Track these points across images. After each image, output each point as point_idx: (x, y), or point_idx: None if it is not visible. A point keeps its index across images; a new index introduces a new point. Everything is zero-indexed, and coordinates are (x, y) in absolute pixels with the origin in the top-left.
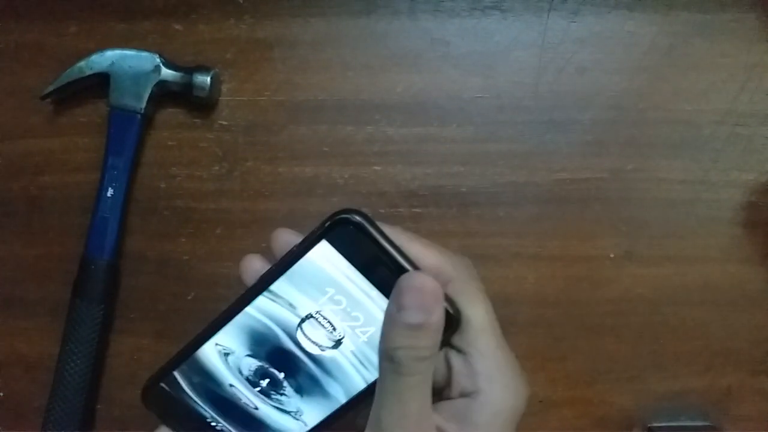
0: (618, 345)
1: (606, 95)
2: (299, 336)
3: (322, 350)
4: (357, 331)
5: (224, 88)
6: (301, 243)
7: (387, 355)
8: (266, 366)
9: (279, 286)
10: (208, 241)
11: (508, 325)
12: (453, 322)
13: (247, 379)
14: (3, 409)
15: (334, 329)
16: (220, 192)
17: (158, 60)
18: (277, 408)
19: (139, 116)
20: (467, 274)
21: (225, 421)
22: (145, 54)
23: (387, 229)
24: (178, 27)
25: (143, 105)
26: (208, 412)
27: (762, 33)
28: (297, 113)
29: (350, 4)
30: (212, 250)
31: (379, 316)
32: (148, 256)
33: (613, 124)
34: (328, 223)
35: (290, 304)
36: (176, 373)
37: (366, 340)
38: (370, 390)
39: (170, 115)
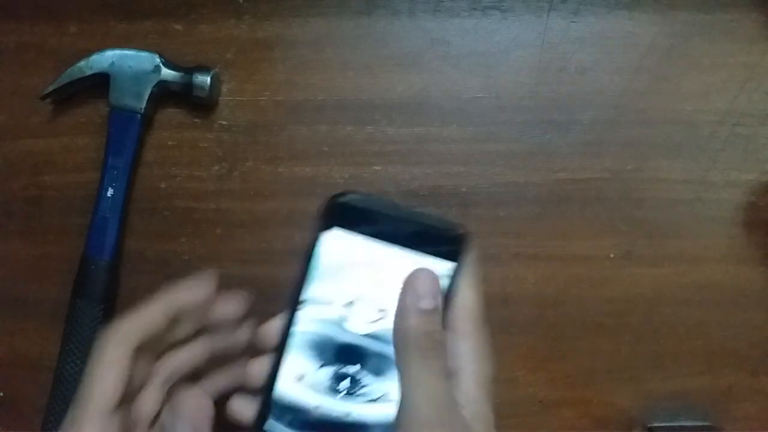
0: (618, 345)
1: (606, 95)
2: (350, 324)
3: (376, 325)
4: (395, 291)
5: (224, 88)
6: (308, 244)
7: (413, 342)
8: (338, 368)
9: (310, 292)
10: (208, 241)
11: (508, 325)
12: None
13: (329, 391)
14: (3, 409)
15: (377, 300)
16: (220, 192)
17: (158, 60)
18: (367, 401)
19: (139, 116)
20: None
21: None
22: (145, 54)
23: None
24: (178, 27)
25: (143, 105)
26: None
27: (762, 33)
28: (297, 113)
29: (350, 4)
30: (212, 250)
31: (406, 270)
32: (148, 256)
33: (613, 124)
34: (326, 210)
35: (328, 301)
36: (271, 421)
37: None
38: None
39: (170, 115)
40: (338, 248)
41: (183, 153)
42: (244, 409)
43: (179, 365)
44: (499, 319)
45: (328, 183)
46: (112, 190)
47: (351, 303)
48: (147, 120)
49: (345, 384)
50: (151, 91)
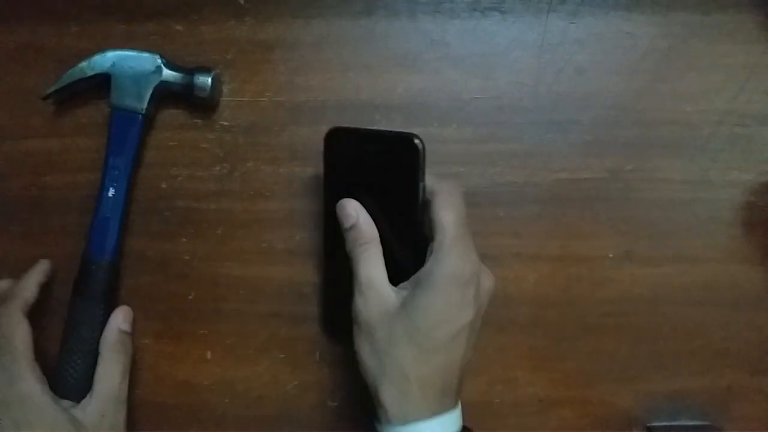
0: (618, 345)
1: (606, 95)
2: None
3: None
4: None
5: (225, 88)
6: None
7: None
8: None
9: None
10: (208, 241)
11: (508, 325)
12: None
13: None
14: None
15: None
16: (220, 192)
17: (159, 61)
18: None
19: (140, 116)
20: (449, 189)
21: None
22: (146, 55)
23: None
24: (178, 28)
25: (144, 105)
26: None
27: (762, 33)
28: (298, 114)
29: (350, 5)
30: (213, 250)
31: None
32: (149, 256)
33: (613, 124)
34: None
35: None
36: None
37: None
38: None
39: (171, 115)
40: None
41: (184, 153)
42: None
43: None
44: (499, 319)
45: None
46: (113, 190)
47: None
48: (148, 120)
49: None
50: (153, 92)
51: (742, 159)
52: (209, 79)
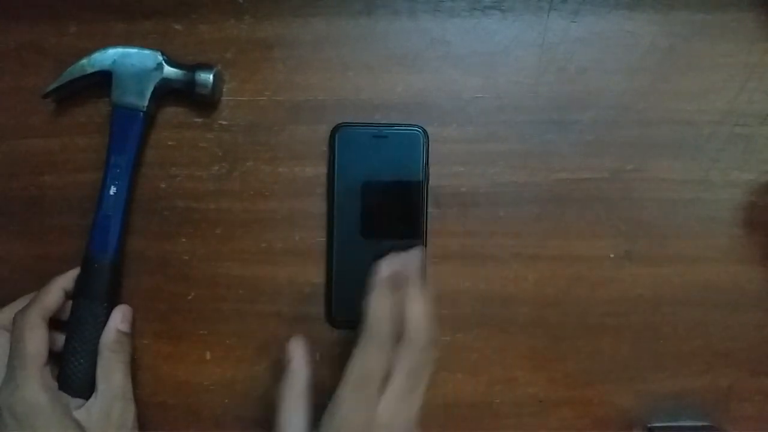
0: (618, 345)
1: (606, 95)
2: None
3: None
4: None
5: (225, 88)
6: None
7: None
8: None
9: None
10: (208, 241)
11: (508, 325)
12: None
13: None
14: None
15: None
16: (220, 192)
17: (160, 57)
18: None
19: (141, 114)
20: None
21: None
22: (147, 52)
23: None
24: (178, 27)
25: (146, 103)
26: None
27: (762, 33)
28: (297, 113)
29: (350, 4)
30: (212, 250)
31: None
32: (149, 256)
33: (613, 124)
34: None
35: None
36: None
37: None
38: None
39: (170, 114)
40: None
41: (183, 153)
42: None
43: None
44: (499, 319)
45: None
46: (114, 189)
47: None
48: (149, 118)
49: None
50: (154, 89)
51: (742, 159)
52: (211, 76)
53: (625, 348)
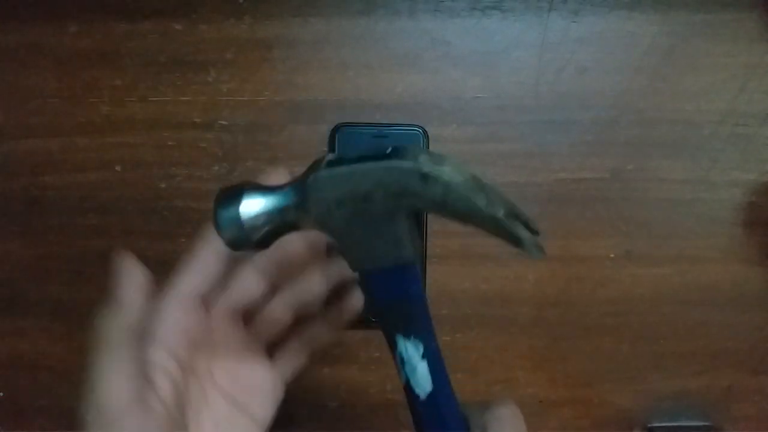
0: (618, 345)
1: (606, 95)
2: None
3: None
4: None
5: (224, 88)
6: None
7: None
8: None
9: None
10: None
11: (508, 325)
12: None
13: None
14: (3, 409)
15: None
16: None
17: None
18: None
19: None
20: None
21: None
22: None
23: None
24: (178, 27)
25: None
26: None
27: (762, 33)
28: (297, 113)
29: (350, 4)
30: None
31: None
32: (149, 256)
33: (613, 124)
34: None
35: None
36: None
37: None
38: None
39: (170, 114)
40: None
41: (183, 153)
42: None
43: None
44: (499, 319)
45: None
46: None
47: None
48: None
49: None
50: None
51: (742, 159)
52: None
53: (625, 348)
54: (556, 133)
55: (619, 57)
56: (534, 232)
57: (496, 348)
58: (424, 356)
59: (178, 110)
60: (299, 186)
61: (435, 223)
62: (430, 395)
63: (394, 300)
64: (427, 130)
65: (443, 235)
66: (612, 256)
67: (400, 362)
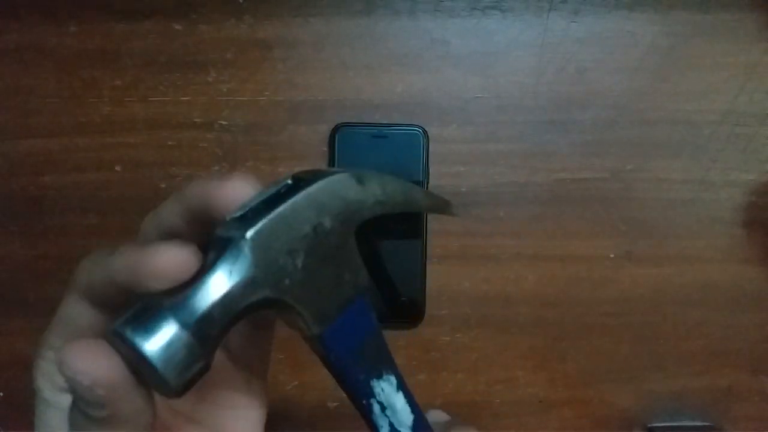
0: (618, 345)
1: (606, 95)
2: None
3: None
4: None
5: (224, 88)
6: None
7: None
8: None
9: None
10: None
11: (508, 325)
12: None
13: None
14: (3, 409)
15: None
16: None
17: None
18: None
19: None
20: None
21: None
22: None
23: None
24: (177, 27)
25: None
26: None
27: (762, 33)
28: (297, 113)
29: (350, 4)
30: None
31: None
32: None
33: (613, 124)
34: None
35: None
36: None
37: None
38: None
39: (170, 114)
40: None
41: (183, 153)
42: None
43: None
44: (499, 319)
45: None
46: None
47: None
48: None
49: None
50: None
51: (742, 159)
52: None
53: (625, 348)
54: (556, 133)
55: (619, 57)
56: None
57: (496, 348)
58: (398, 388)
59: (178, 110)
60: (229, 264)
61: (435, 223)
62: (413, 426)
63: (364, 340)
64: (427, 130)
65: (443, 235)
66: (612, 256)
67: (380, 410)
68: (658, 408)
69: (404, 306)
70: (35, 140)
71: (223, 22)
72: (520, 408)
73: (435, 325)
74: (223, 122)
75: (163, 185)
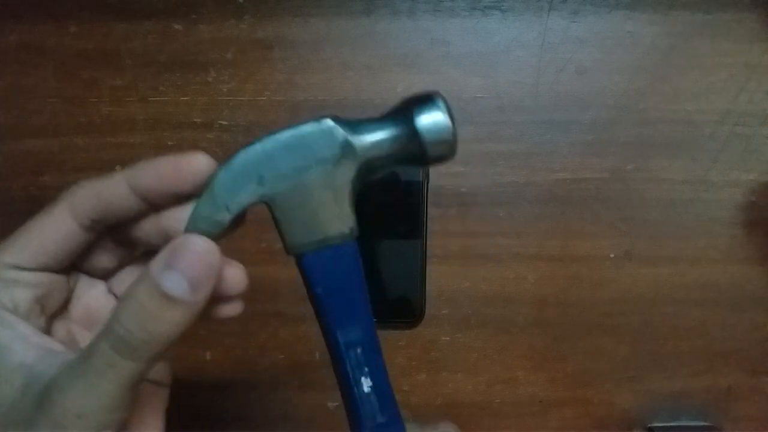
0: (618, 345)
1: (606, 95)
2: None
3: None
4: None
5: (224, 88)
6: None
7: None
8: None
9: None
10: None
11: (508, 325)
12: None
13: None
14: None
15: None
16: None
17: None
18: None
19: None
20: None
21: None
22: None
23: None
24: (178, 27)
25: (351, 224)
26: None
27: (762, 33)
28: (297, 113)
29: (350, 4)
30: None
31: None
32: None
33: (613, 124)
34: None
35: None
36: None
37: None
38: None
39: (170, 114)
40: None
41: None
42: None
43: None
44: (499, 319)
45: None
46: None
47: None
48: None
49: None
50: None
51: (742, 159)
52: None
53: (624, 348)
54: (556, 133)
55: (619, 57)
56: None
57: (496, 348)
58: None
59: (178, 110)
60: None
61: (435, 223)
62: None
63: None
64: None
65: (443, 235)
66: (612, 256)
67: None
68: (658, 408)
69: (404, 306)
70: (35, 140)
71: (223, 22)
72: (520, 408)
73: (435, 325)
74: (223, 122)
75: None
